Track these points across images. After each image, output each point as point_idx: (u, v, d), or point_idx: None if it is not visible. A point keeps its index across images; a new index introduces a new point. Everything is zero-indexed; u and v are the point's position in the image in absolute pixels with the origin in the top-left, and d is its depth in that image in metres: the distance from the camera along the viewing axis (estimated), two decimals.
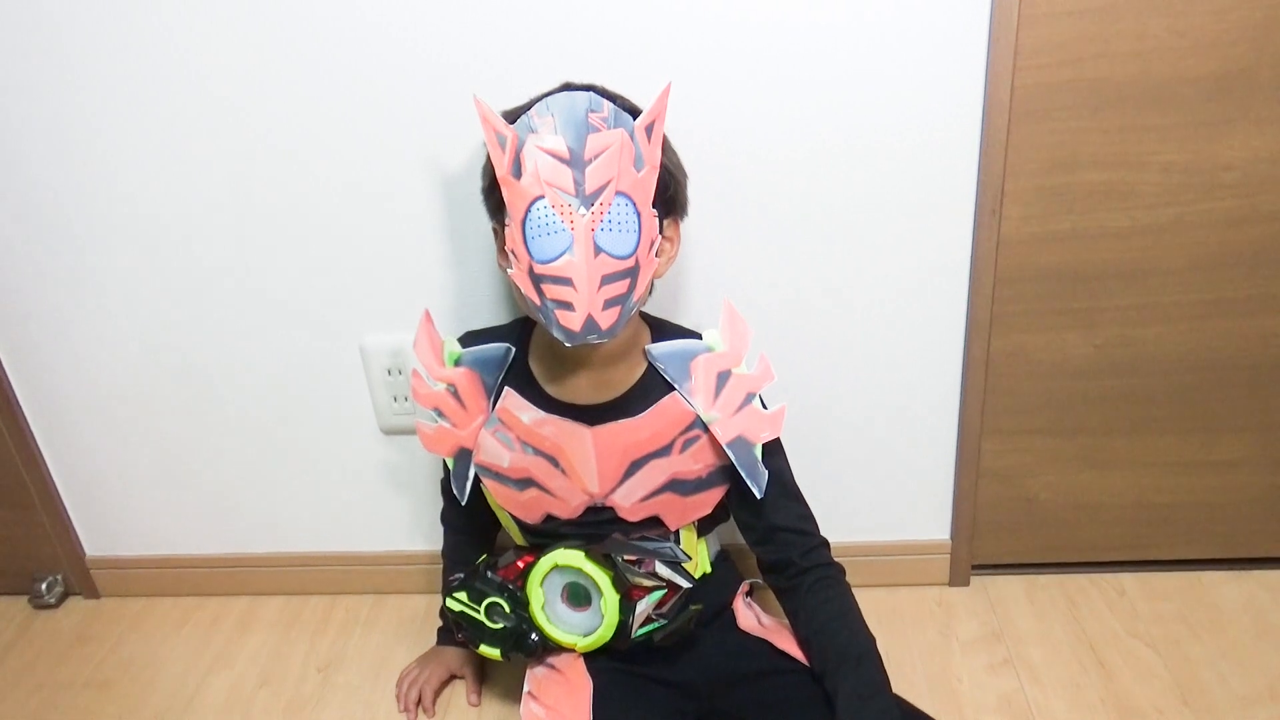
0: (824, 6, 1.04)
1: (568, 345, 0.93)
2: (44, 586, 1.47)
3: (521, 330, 1.10)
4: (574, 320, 0.91)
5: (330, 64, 1.10)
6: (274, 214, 1.19)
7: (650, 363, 1.05)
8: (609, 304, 0.91)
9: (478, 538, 1.23)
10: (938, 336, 1.22)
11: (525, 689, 1.10)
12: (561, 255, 0.90)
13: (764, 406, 1.05)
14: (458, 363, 1.08)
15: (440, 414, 1.09)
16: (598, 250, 0.90)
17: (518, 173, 0.90)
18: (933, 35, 1.05)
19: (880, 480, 1.32)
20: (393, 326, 1.25)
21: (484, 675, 1.27)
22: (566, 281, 0.90)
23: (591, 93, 0.92)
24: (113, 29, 1.10)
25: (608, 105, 0.92)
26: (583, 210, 0.90)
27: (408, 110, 1.12)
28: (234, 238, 1.21)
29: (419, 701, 1.23)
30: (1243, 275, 1.17)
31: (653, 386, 1.05)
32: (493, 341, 1.09)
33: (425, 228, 1.18)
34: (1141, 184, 1.12)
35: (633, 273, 0.93)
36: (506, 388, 1.06)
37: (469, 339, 1.11)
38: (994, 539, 1.36)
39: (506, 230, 0.93)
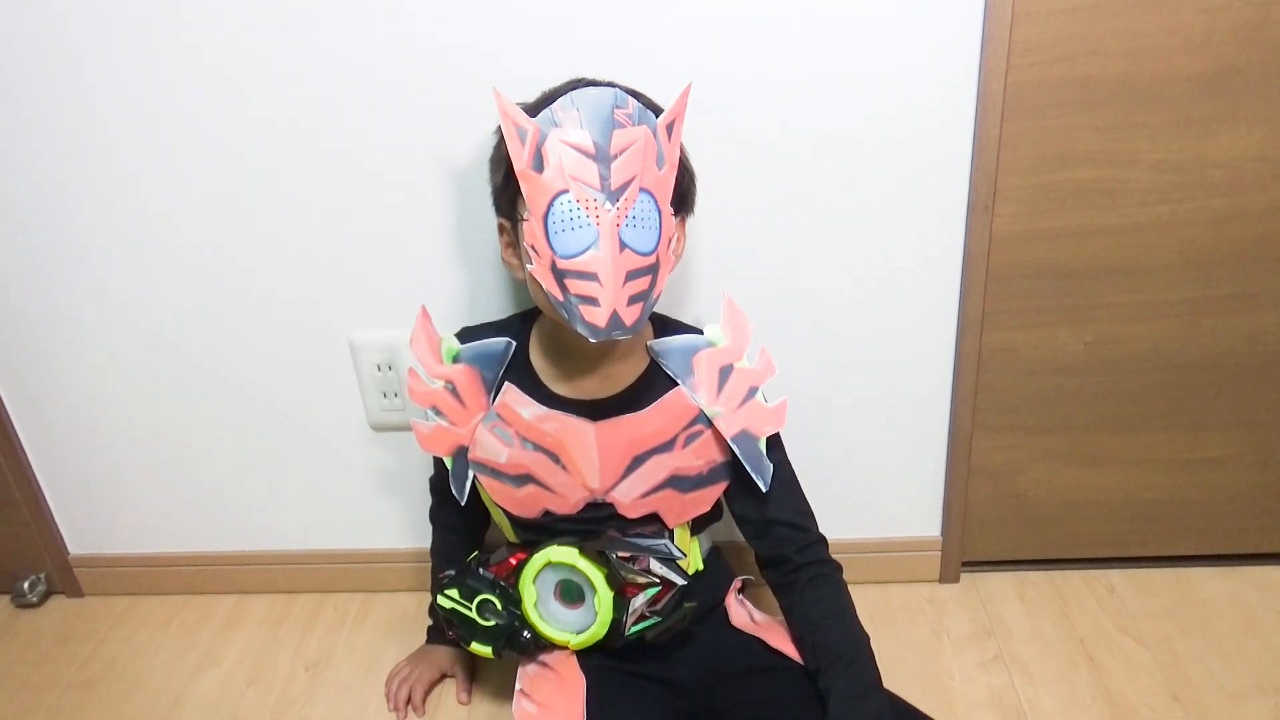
0: (818, 6, 1.04)
1: (591, 341, 0.91)
2: (26, 585, 1.45)
3: (521, 325, 1.09)
4: (599, 316, 0.90)
5: (324, 55, 1.08)
6: (261, 207, 1.18)
7: (653, 358, 1.05)
8: (633, 300, 0.91)
9: (468, 536, 1.22)
10: (929, 333, 1.22)
11: (517, 687, 1.09)
12: (587, 250, 0.89)
13: (765, 401, 1.05)
14: (456, 359, 1.07)
15: (438, 412, 1.08)
16: (623, 246, 0.90)
17: (539, 167, 0.89)
18: (927, 33, 1.05)
19: (871, 477, 1.32)
20: (382, 321, 1.24)
21: (474, 674, 1.26)
22: (592, 277, 0.90)
23: (616, 89, 0.92)
24: (99, 19, 1.08)
25: (633, 102, 0.91)
26: (608, 205, 0.89)
27: (401, 104, 1.10)
28: (221, 231, 1.20)
29: (409, 700, 1.22)
30: (1231, 273, 1.18)
31: (656, 382, 1.05)
32: (491, 336, 1.08)
33: (416, 221, 1.17)
34: (1132, 181, 1.13)
35: (654, 269, 0.92)
36: (507, 383, 1.06)
37: (466, 334, 1.10)
38: (984, 536, 1.36)
39: (524, 225, 0.92)
